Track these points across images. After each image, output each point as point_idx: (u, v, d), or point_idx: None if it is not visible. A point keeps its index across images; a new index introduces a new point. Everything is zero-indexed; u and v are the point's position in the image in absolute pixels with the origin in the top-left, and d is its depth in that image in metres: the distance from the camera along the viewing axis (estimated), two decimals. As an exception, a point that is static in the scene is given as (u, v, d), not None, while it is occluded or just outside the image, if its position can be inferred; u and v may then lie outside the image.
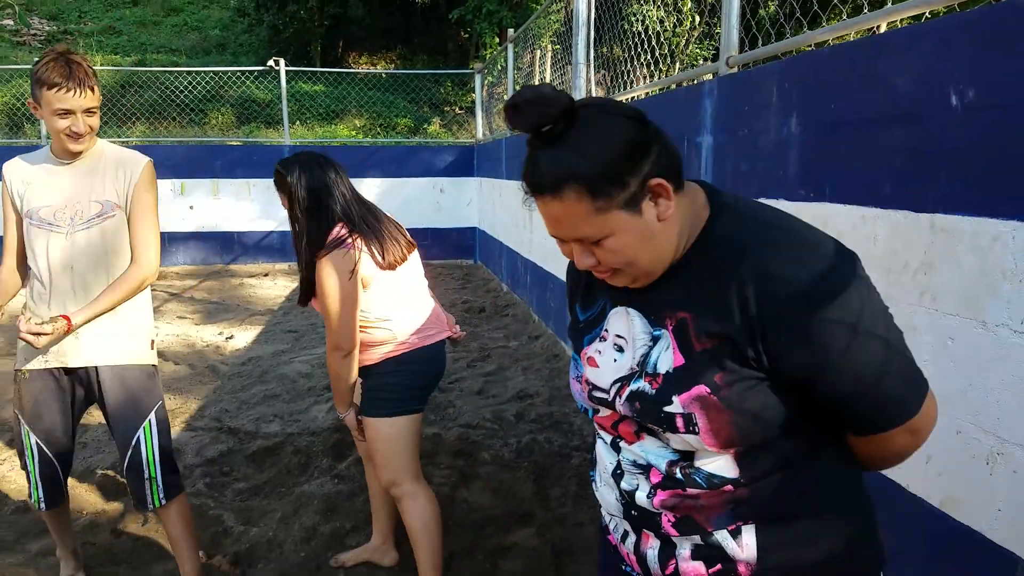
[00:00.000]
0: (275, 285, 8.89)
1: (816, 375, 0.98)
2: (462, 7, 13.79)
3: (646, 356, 1.06)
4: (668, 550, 1.11)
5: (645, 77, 4.22)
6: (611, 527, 1.22)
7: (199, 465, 3.61)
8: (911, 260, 1.89)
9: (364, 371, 2.45)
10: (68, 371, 2.36)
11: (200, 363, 5.51)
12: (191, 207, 9.77)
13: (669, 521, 1.09)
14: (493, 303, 7.58)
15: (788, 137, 2.44)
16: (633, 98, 4.23)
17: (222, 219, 9.86)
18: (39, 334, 2.18)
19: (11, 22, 16.47)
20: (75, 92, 2.19)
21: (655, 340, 1.06)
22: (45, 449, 2.39)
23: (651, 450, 1.08)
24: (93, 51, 15.24)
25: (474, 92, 11.26)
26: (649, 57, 4.12)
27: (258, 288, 8.66)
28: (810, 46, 2.61)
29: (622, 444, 1.13)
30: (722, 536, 1.07)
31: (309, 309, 5.52)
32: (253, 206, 9.87)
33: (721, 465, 1.04)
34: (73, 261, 2.30)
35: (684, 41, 3.99)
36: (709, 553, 1.08)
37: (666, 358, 1.03)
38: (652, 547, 1.13)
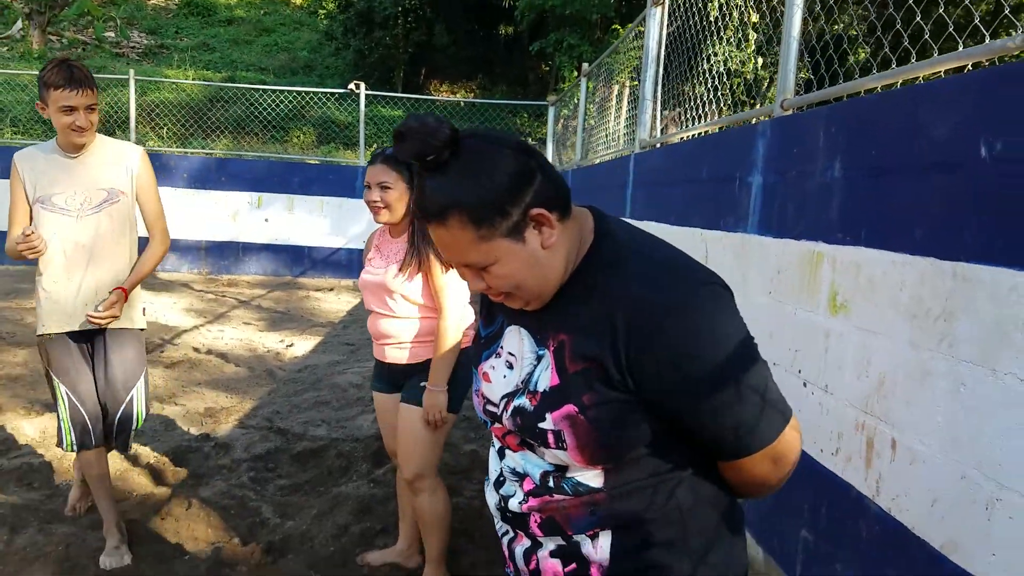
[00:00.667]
0: (338, 299, 9.18)
1: (672, 400, 1.03)
2: (543, 40, 14.08)
3: (531, 374, 1.12)
4: (533, 548, 1.18)
5: (704, 116, 4.29)
6: (498, 529, 1.28)
7: (246, 460, 3.78)
8: (933, 307, 1.91)
9: (428, 363, 2.57)
10: (80, 334, 2.76)
11: (259, 367, 5.75)
12: (266, 219, 10.20)
13: (536, 522, 1.16)
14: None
15: (831, 181, 2.48)
16: (696, 135, 4.30)
17: (295, 233, 10.26)
18: (110, 317, 2.67)
19: (112, 34, 17.58)
20: (77, 91, 2.57)
21: (539, 359, 1.11)
22: (73, 398, 2.74)
23: (530, 460, 1.15)
24: (187, 65, 16.13)
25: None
26: (711, 96, 4.19)
27: (322, 301, 8.96)
28: (859, 92, 2.65)
29: (507, 452, 1.20)
30: (581, 539, 1.12)
31: (360, 322, 5.66)
32: (325, 222, 10.24)
33: (589, 476, 1.10)
34: (86, 240, 2.71)
35: (744, 82, 4.05)
36: (567, 553, 1.14)
37: (544, 377, 1.09)
38: (522, 545, 1.20)
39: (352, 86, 10.74)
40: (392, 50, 15.85)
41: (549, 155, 10.88)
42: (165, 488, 3.44)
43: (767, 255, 2.92)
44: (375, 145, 13.04)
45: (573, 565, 1.14)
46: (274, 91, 12.24)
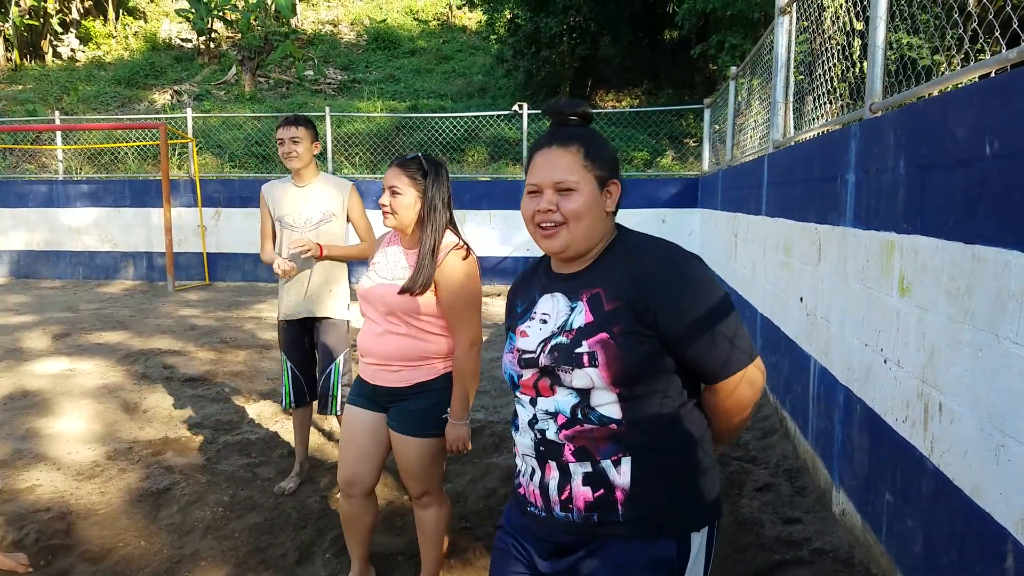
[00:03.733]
0: (504, 303, 9.92)
1: (678, 330, 1.44)
2: (705, 43, 14.13)
3: (566, 321, 1.52)
4: (565, 480, 1.50)
5: (818, 118, 4.49)
6: (522, 471, 1.61)
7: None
8: (960, 283, 2.17)
9: (424, 386, 2.49)
10: (300, 321, 3.73)
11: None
12: (443, 233, 11.21)
13: (570, 450, 1.49)
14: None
15: (897, 177, 2.74)
16: (810, 136, 4.51)
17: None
18: (304, 250, 3.52)
19: (311, 72, 19.67)
20: (284, 127, 3.61)
21: (572, 310, 1.52)
22: (296, 371, 3.76)
23: (560, 400, 1.50)
24: (375, 97, 17.74)
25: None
26: (827, 98, 4.40)
27: (491, 305, 9.76)
28: (932, 93, 2.86)
29: (539, 399, 1.54)
30: (607, 464, 1.47)
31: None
32: (493, 233, 11.09)
33: (609, 409, 1.47)
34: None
35: (848, 86, 4.23)
36: (595, 479, 1.48)
37: (579, 319, 1.50)
38: (553, 478, 1.52)
39: (516, 107, 11.54)
40: (558, 67, 16.50)
41: (705, 155, 11.05)
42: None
43: (859, 246, 3.17)
44: (541, 159, 13.75)
45: (601, 491, 1.47)
46: (450, 118, 13.36)
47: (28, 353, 6.75)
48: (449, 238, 2.51)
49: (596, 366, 1.44)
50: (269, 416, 4.91)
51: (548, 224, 1.52)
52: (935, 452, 2.34)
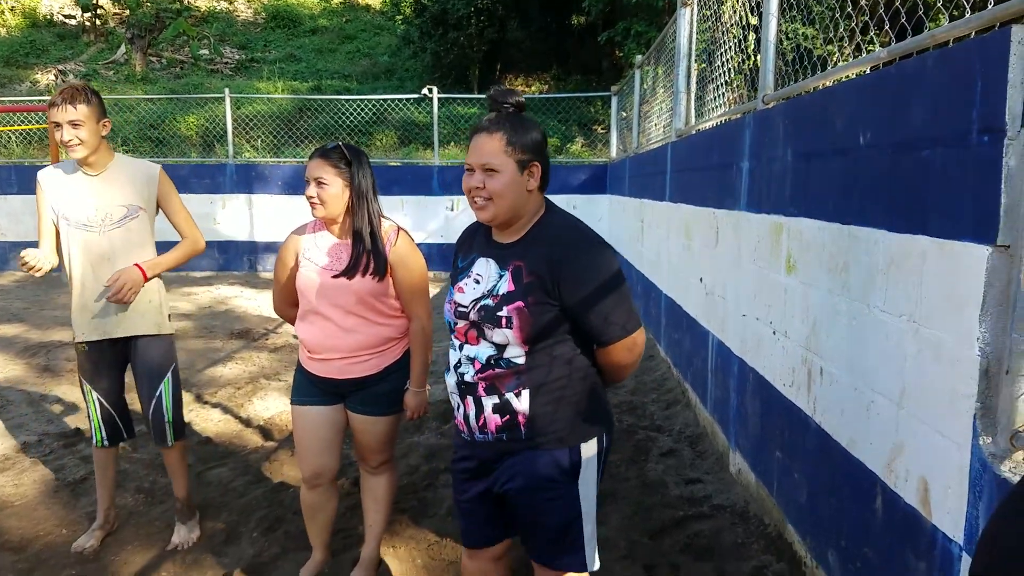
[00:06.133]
0: (419, 287, 10.00)
1: (577, 302, 1.79)
2: (611, 29, 14.44)
3: (494, 286, 1.85)
4: (479, 410, 1.89)
5: (717, 108, 4.79)
6: (454, 405, 1.97)
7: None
8: (839, 260, 2.44)
9: (390, 368, 2.60)
10: (110, 343, 2.97)
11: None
12: (352, 217, 11.12)
13: (482, 387, 1.87)
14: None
15: (785, 164, 3.01)
16: (710, 126, 4.79)
17: (378, 228, 11.14)
18: (122, 295, 2.81)
19: (206, 51, 18.96)
20: (59, 108, 2.76)
21: (500, 277, 1.85)
22: (104, 402, 3.02)
23: (480, 349, 1.87)
24: (276, 77, 17.27)
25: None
26: (726, 88, 4.69)
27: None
28: (820, 86, 3.14)
29: (465, 346, 1.89)
30: (510, 396, 1.85)
31: (437, 309, 6.35)
32: (406, 220, 11.06)
33: (516, 356, 1.83)
34: (110, 254, 2.88)
35: (745, 77, 4.53)
36: (502, 408, 1.86)
37: (504, 286, 1.83)
38: (471, 409, 1.91)
39: (426, 91, 11.54)
40: (467, 49, 16.49)
41: (612, 142, 11.39)
42: (273, 442, 4.27)
43: (751, 228, 3.44)
44: (451, 143, 13.83)
45: (507, 416, 1.87)
46: (356, 100, 13.20)
47: (-90, 347, 6.37)
48: (387, 223, 2.60)
49: (511, 328, 1.80)
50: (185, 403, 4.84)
51: (478, 199, 1.83)
52: (817, 411, 2.62)
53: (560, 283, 1.77)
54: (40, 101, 13.77)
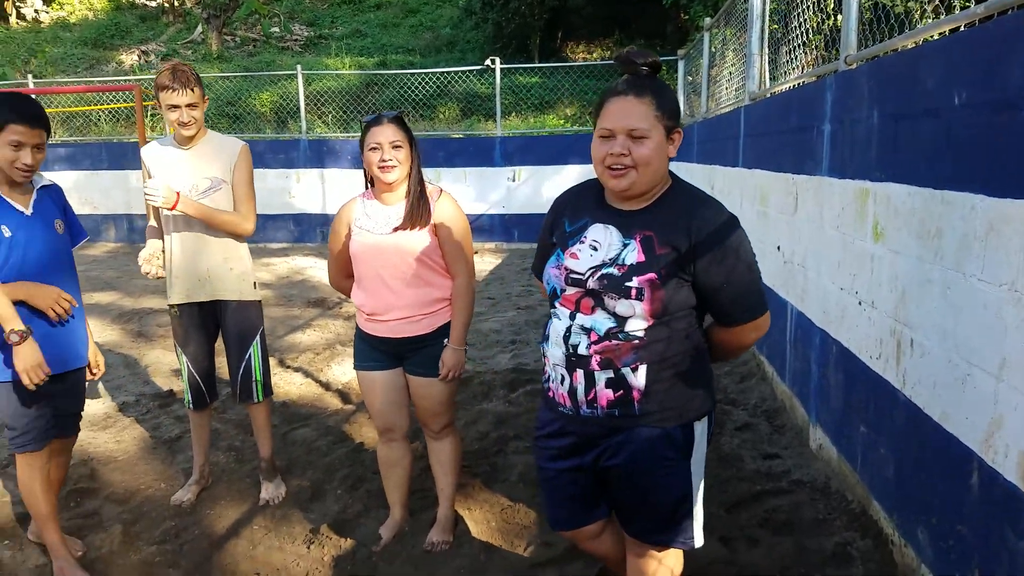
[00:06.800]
0: (481, 261, 10.06)
1: (711, 280, 1.73)
2: (676, -9, 14.03)
3: (618, 255, 1.75)
4: (590, 384, 1.79)
5: (793, 70, 4.61)
6: (552, 378, 1.87)
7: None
8: (930, 226, 2.33)
9: (443, 329, 2.69)
10: (198, 306, 3.16)
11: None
12: (419, 190, 11.22)
13: (596, 361, 1.77)
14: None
15: (871, 127, 2.88)
16: (786, 88, 4.63)
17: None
18: (153, 194, 2.91)
19: (277, 29, 19.26)
20: (179, 92, 2.94)
21: (625, 246, 1.76)
22: (191, 367, 3.21)
23: (598, 320, 1.77)
24: (343, 54, 17.44)
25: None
26: (802, 49, 4.51)
27: (471, 261, 9.88)
28: (906, 46, 2.99)
29: (578, 315, 1.79)
30: (626, 371, 1.76)
31: (505, 281, 6.28)
32: (468, 191, 11.12)
33: (638, 329, 1.74)
34: (194, 223, 3.06)
35: (824, 37, 4.34)
36: (616, 382, 1.77)
37: (632, 256, 1.74)
38: (579, 383, 1.80)
39: (488, 62, 11.48)
40: (528, 18, 16.31)
41: (680, 107, 11.12)
42: (351, 405, 4.40)
43: (834, 194, 3.32)
44: (512, 114, 13.76)
45: (621, 392, 1.77)
46: (420, 74, 13.24)
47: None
48: (429, 186, 2.70)
49: (641, 300, 1.71)
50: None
51: (618, 167, 1.71)
52: (907, 384, 2.53)
53: (697, 259, 1.70)
54: (125, 81, 14.27)
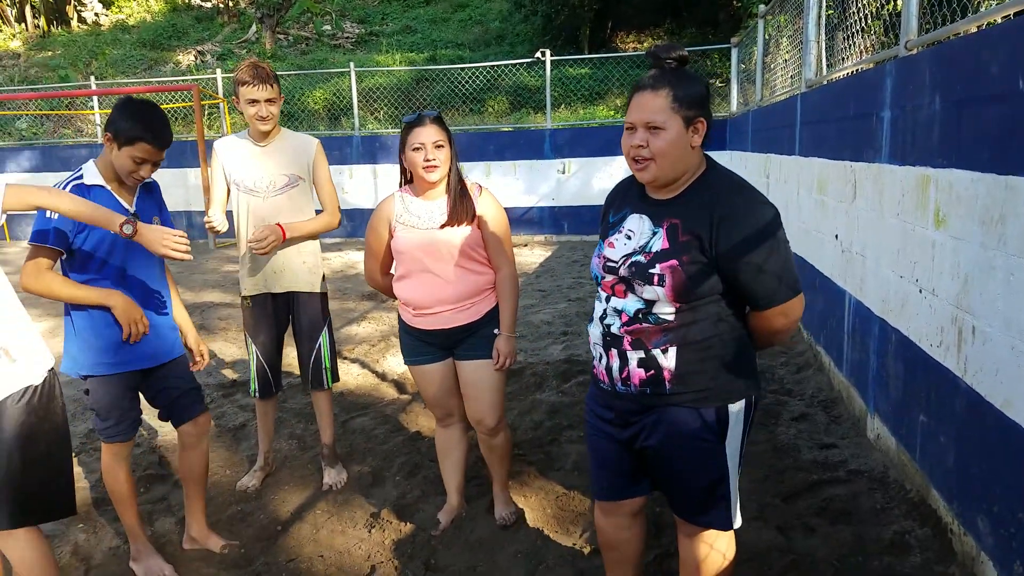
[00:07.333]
0: (532, 253, 10.12)
1: (736, 266, 1.75)
2: (727, -22, 13.80)
3: (647, 243, 1.83)
4: (623, 363, 1.87)
5: (850, 56, 4.53)
6: (595, 356, 1.97)
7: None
8: (994, 213, 2.29)
9: (491, 314, 2.76)
10: (271, 298, 3.26)
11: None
12: (470, 184, 11.33)
13: (628, 342, 1.86)
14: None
15: (933, 113, 2.83)
16: (844, 75, 4.55)
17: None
18: (262, 246, 3.03)
19: (329, 28, 19.56)
20: (258, 87, 3.04)
21: (654, 234, 1.83)
22: (260, 356, 3.31)
23: (628, 303, 1.85)
24: (393, 50, 17.63)
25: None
26: (860, 36, 4.43)
27: (518, 255, 9.93)
28: (968, 30, 2.92)
29: (612, 298, 1.89)
30: (657, 352, 1.83)
31: (556, 274, 6.31)
32: (518, 183, 11.18)
33: (666, 313, 1.80)
34: (271, 218, 3.14)
35: (883, 23, 4.25)
36: (647, 362, 1.84)
37: (658, 244, 1.81)
38: (615, 361, 1.89)
39: (539, 54, 11.50)
40: (577, 9, 16.22)
41: (733, 96, 10.98)
42: (407, 395, 4.50)
43: (895, 181, 3.27)
44: (562, 106, 13.73)
45: (652, 371, 1.84)
46: (470, 68, 13.33)
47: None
48: (468, 182, 2.79)
49: (663, 286, 1.78)
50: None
51: (639, 158, 1.79)
52: (968, 372, 2.50)
53: (718, 243, 1.73)
54: (182, 81, 14.70)
